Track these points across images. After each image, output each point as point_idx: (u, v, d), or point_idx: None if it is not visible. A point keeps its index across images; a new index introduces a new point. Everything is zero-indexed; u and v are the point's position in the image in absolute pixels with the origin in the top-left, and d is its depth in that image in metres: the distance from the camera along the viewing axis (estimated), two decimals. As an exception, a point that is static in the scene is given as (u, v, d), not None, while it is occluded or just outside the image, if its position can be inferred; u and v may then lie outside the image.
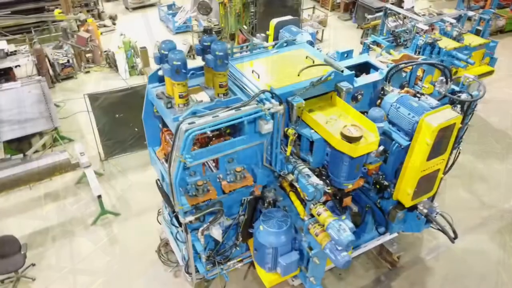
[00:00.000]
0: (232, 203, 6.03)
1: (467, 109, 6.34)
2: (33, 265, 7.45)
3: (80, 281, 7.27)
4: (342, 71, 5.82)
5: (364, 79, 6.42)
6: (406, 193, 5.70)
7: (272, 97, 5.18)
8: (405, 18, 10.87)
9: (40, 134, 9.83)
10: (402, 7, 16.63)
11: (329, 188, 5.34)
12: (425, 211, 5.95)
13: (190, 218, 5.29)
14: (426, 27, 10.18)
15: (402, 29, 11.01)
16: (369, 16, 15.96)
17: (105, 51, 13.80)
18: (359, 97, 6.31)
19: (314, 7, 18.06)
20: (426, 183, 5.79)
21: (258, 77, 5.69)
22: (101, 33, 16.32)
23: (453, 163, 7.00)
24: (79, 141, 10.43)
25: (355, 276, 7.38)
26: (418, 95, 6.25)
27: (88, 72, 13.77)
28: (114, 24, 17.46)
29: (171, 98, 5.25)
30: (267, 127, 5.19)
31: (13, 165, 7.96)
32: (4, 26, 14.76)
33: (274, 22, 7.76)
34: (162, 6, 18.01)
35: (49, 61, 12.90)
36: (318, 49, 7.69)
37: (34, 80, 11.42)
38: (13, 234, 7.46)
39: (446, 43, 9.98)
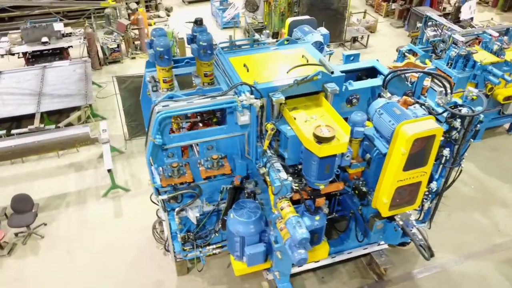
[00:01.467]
0: (213, 190, 6.27)
1: (468, 124, 6.03)
2: (45, 224, 8.24)
3: (79, 245, 7.90)
4: (332, 72, 5.81)
5: (361, 83, 6.34)
6: (382, 202, 5.56)
7: (252, 91, 5.33)
8: (443, 27, 10.37)
9: (78, 110, 10.76)
10: (459, 18, 15.82)
11: (296, 185, 5.38)
12: (401, 223, 5.75)
13: (163, 197, 5.61)
14: (461, 38, 9.66)
15: (438, 39, 10.54)
16: (419, 25, 15.32)
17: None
18: (354, 100, 6.25)
19: (365, 12, 17.69)
20: (406, 195, 5.60)
21: (248, 71, 5.86)
22: (154, 23, 17.36)
23: (453, 181, 6.68)
24: (111, 120, 11.26)
25: (338, 282, 7.28)
26: (417, 105, 6.08)
27: (134, 58, 14.69)
28: (168, 15, 18.39)
29: (157, 82, 5.59)
30: (243, 118, 5.36)
31: (42, 133, 8.83)
32: (69, 10, 16.22)
33: (289, 20, 7.83)
34: (215, 1, 18.63)
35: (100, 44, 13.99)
36: (329, 50, 7.70)
37: (80, 60, 12.48)
38: (35, 195, 8.38)
39: (482, 57, 9.40)
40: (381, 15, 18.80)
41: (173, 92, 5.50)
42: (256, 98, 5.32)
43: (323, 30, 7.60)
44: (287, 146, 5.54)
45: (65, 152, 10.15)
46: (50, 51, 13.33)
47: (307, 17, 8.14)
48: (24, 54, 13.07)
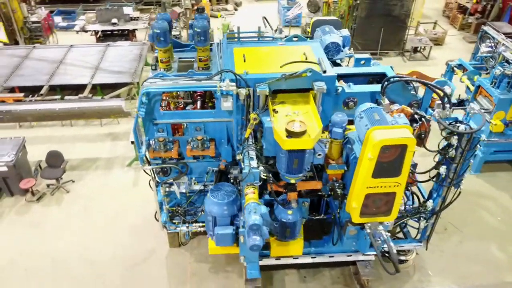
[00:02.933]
0: (203, 171, 6.63)
1: (467, 143, 5.67)
2: (72, 181, 9.27)
3: (95, 205, 8.77)
4: (325, 72, 5.83)
5: (359, 87, 6.26)
6: (351, 206, 5.49)
7: (236, 79, 5.57)
8: (497, 43, 9.55)
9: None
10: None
11: (265, 174, 5.52)
12: (369, 231, 5.60)
13: (146, 166, 6.10)
14: (512, 57, 8.84)
15: (489, 55, 9.77)
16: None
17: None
18: (351, 104, 6.20)
19: (435, 22, 16.76)
20: (379, 204, 5.45)
21: (244, 61, 6.11)
22: (221, 16, 18.15)
23: (450, 202, 6.32)
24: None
25: (318, 284, 7.23)
26: (417, 116, 5.86)
27: (192, 46, 15.58)
28: (235, 9, 19.10)
29: (157, 62, 6.08)
30: (225, 104, 5.64)
31: (86, 101, 9.90)
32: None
33: (314, 19, 7.86)
34: (283, -1, 18.94)
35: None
36: (350, 52, 7.60)
37: (140, 43, 13.60)
38: (72, 155, 9.60)
39: (532, 80, 8.56)
40: (456, 28, 17.67)
41: (170, 72, 5.95)
42: (241, 87, 5.57)
43: (344, 32, 7.52)
44: (265, 137, 5.70)
45: (108, 122, 11.25)
46: (120, 32, 14.70)
47: (333, 18, 8.09)
48: (96, 32, 14.56)
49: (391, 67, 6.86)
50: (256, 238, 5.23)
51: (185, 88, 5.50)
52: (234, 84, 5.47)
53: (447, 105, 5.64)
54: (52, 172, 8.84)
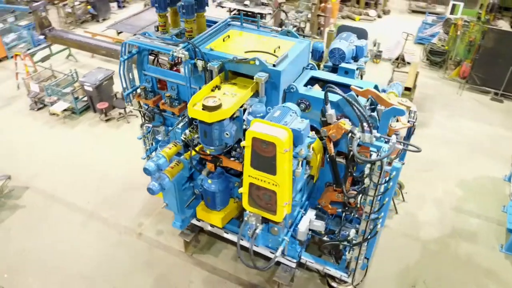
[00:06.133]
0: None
1: (380, 174, 5.22)
2: (136, 116, 11.46)
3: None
4: (274, 66, 6.07)
5: (315, 92, 6.27)
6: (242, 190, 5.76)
7: (195, 51, 6.35)
8: None
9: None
10: None
11: (185, 137, 6.25)
12: (246, 218, 5.77)
13: (129, 106, 7.48)
14: None
15: None
16: None
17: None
18: (302, 105, 6.29)
19: None
20: (262, 198, 5.54)
21: (223, 41, 6.81)
22: (359, 19, 18.06)
23: (370, 236, 5.84)
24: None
25: (246, 269, 7.49)
26: (352, 134, 5.60)
27: (314, 38, 16.14)
28: (379, 17, 18.56)
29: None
30: (182, 70, 6.54)
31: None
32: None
33: (339, 24, 7.73)
34: (431, 15, 17.47)
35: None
36: (360, 65, 7.35)
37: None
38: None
39: None
40: None
41: (166, 35, 7.11)
42: (199, 59, 6.35)
43: (361, 42, 7.29)
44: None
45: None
46: (249, 13, 16.37)
47: (359, 27, 7.76)
48: (230, 10, 16.59)
49: (376, 85, 6.49)
50: (154, 184, 6.12)
51: (150, 46, 6.59)
52: (186, 53, 6.27)
53: (367, 129, 5.26)
54: (121, 103, 11.18)
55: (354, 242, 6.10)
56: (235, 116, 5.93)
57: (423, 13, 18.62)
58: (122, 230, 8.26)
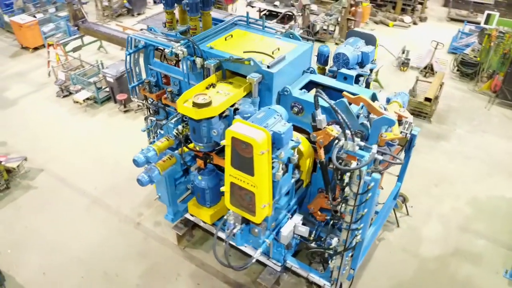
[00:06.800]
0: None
1: (359, 182, 5.09)
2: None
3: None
4: (268, 67, 6.05)
5: (308, 96, 6.20)
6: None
7: (194, 48, 6.44)
8: None
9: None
10: None
11: (177, 132, 6.35)
12: (225, 216, 5.79)
13: (134, 98, 7.70)
14: None
15: None
16: None
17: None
18: (295, 108, 6.27)
19: None
20: (243, 197, 5.53)
21: (225, 40, 6.86)
22: (392, 25, 17.58)
23: (351, 246, 5.71)
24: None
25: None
26: (337, 140, 5.52)
27: (337, 44, 15.89)
28: (414, 23, 17.95)
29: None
30: (181, 66, 6.65)
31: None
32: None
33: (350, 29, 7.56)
34: (470, 24, 16.66)
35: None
36: (364, 71, 7.20)
37: (280, 27, 14.89)
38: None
39: None
40: None
41: (172, 32, 7.27)
42: (198, 57, 6.45)
43: (367, 48, 7.13)
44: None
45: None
46: (279, 14, 16.36)
47: (369, 32, 7.50)
48: (260, 10, 16.62)
49: (374, 93, 6.33)
50: (144, 176, 6.28)
51: (153, 42, 6.74)
52: (185, 49, 6.37)
53: (349, 137, 5.15)
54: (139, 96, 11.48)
55: (336, 251, 5.99)
56: (224, 115, 5.97)
57: (463, 21, 17.81)
58: (122, 218, 8.52)
